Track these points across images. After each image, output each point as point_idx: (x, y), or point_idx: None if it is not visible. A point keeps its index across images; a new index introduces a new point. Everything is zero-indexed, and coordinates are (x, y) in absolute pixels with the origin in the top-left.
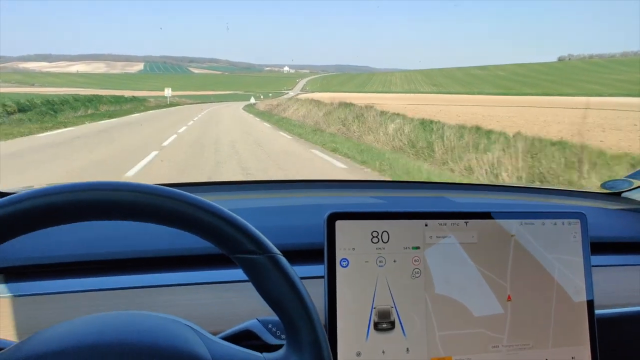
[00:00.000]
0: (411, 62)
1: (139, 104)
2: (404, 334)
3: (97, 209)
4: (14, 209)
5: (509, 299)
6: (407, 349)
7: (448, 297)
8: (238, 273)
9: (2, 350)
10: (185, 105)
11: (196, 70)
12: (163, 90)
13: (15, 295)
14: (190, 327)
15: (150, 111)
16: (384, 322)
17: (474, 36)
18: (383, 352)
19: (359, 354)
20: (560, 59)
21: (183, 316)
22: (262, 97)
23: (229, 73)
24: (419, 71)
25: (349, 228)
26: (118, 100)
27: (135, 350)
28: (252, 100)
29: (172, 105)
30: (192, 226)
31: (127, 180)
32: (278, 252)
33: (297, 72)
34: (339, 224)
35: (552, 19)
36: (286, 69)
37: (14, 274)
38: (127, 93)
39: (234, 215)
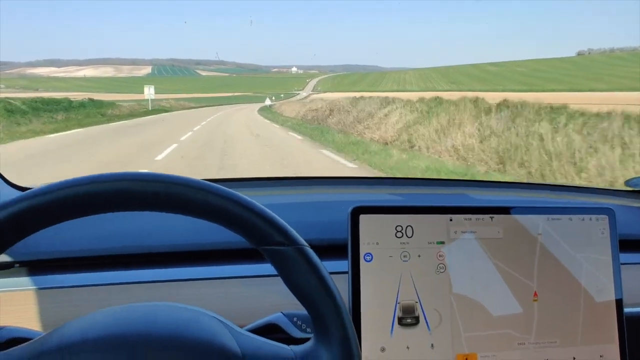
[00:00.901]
0: (421, 61)
1: (96, 111)
2: (429, 329)
3: (126, 199)
4: (50, 197)
5: (535, 295)
6: (432, 345)
7: (473, 293)
8: (261, 267)
9: (32, 340)
10: (181, 112)
11: (203, 73)
12: (173, 94)
13: (40, 288)
14: (218, 319)
15: (103, 125)
16: (408, 317)
17: (484, 34)
18: (407, 347)
19: (383, 350)
20: (579, 54)
21: (208, 309)
22: (273, 98)
23: (237, 75)
24: (432, 69)
25: (372, 222)
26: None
27: (163, 342)
28: (268, 102)
29: (156, 111)
30: (221, 217)
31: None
32: (306, 244)
33: (306, 72)
34: (363, 218)
35: (568, 14)
36: (294, 69)
37: (38, 267)
38: (132, 97)
39: (263, 207)
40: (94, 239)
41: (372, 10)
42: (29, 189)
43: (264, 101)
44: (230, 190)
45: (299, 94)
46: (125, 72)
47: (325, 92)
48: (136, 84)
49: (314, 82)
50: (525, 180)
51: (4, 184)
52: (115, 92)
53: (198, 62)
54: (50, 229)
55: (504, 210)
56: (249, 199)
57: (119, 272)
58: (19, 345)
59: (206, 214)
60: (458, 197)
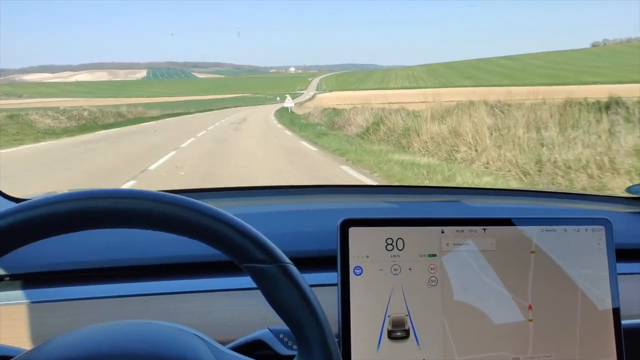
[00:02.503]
0: (419, 58)
1: None
2: (418, 343)
3: (98, 216)
4: (33, 214)
5: (529, 308)
6: None
7: (465, 306)
8: (248, 280)
9: (13, 358)
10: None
11: (200, 75)
12: (167, 97)
13: (29, 302)
14: (200, 337)
15: None
16: (398, 330)
17: (490, 28)
18: None
19: None
20: (594, 45)
21: (195, 324)
22: (278, 98)
23: (234, 76)
24: (441, 64)
25: (362, 235)
26: None
27: None
28: (289, 103)
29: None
30: (200, 234)
31: None
32: (288, 261)
33: (305, 72)
34: (353, 231)
35: (580, 4)
36: (292, 69)
37: (28, 280)
38: (124, 101)
39: (243, 222)
40: (77, 253)
41: (372, 8)
42: (21, 200)
43: (275, 102)
44: (207, 205)
45: (302, 93)
46: (121, 76)
47: (331, 91)
48: (129, 87)
49: (316, 81)
50: None
51: None
52: (106, 97)
53: (195, 65)
54: (38, 244)
55: (498, 222)
56: (229, 214)
57: (104, 285)
58: None
59: (183, 230)
60: (452, 205)
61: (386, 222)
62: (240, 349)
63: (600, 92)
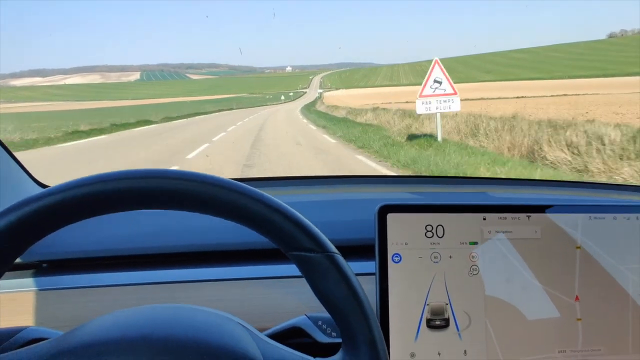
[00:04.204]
0: (416, 55)
1: None
2: (459, 333)
3: (153, 197)
4: (79, 192)
5: (576, 299)
6: (465, 352)
7: (508, 296)
8: (285, 268)
9: (51, 339)
10: None
11: (194, 76)
12: (159, 98)
13: (60, 288)
14: (242, 325)
15: None
16: (437, 318)
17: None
18: (439, 354)
19: (412, 355)
20: (611, 36)
21: (231, 311)
22: (283, 97)
23: (230, 77)
24: (453, 59)
25: (401, 222)
26: None
27: (186, 346)
28: (315, 94)
29: None
30: (250, 220)
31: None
32: (336, 251)
33: (302, 71)
34: (391, 217)
35: None
36: (289, 69)
37: (60, 266)
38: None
39: (293, 210)
40: (113, 239)
41: (369, 6)
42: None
43: (279, 102)
44: (260, 191)
45: (305, 92)
46: (113, 79)
47: (337, 88)
48: (115, 90)
49: (317, 79)
50: None
51: (30, 180)
52: (91, 100)
53: (189, 66)
54: (74, 229)
55: (542, 209)
56: (279, 201)
57: (139, 272)
58: (36, 344)
59: (234, 215)
60: (490, 196)
61: (425, 208)
62: (279, 335)
63: None
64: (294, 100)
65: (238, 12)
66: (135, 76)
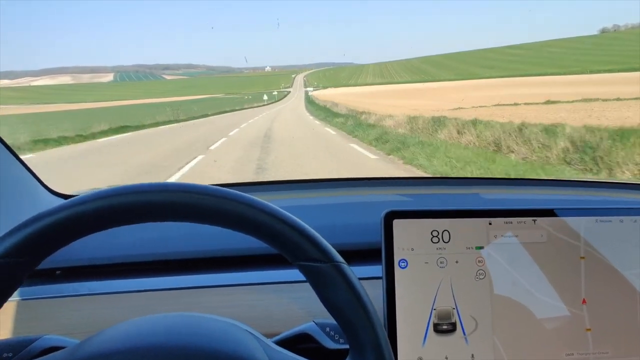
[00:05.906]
0: (405, 52)
1: None
2: (466, 337)
3: (157, 211)
4: (94, 206)
5: (583, 302)
6: (472, 356)
7: (515, 300)
8: (293, 273)
9: (65, 349)
10: None
11: (170, 77)
12: (135, 99)
13: (73, 295)
14: (251, 332)
15: None
16: (444, 323)
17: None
18: (446, 358)
19: None
20: (603, 31)
21: (239, 317)
22: (265, 97)
23: (206, 76)
24: (442, 55)
25: (407, 227)
26: None
27: (195, 355)
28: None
29: None
30: (256, 230)
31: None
32: (342, 260)
33: (282, 70)
34: (397, 223)
35: None
36: (268, 68)
37: (73, 273)
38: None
39: (299, 220)
40: (124, 247)
41: (348, 5)
42: (70, 196)
43: (262, 103)
44: (266, 202)
45: (289, 91)
46: (85, 80)
47: (325, 87)
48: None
49: (300, 78)
50: None
51: (45, 190)
52: (60, 103)
53: (166, 67)
54: (86, 237)
55: (548, 213)
56: (285, 212)
57: (150, 279)
58: (53, 353)
59: (242, 227)
60: (496, 197)
61: (431, 213)
62: (286, 342)
63: None
64: (278, 101)
65: (215, 13)
66: (109, 77)
